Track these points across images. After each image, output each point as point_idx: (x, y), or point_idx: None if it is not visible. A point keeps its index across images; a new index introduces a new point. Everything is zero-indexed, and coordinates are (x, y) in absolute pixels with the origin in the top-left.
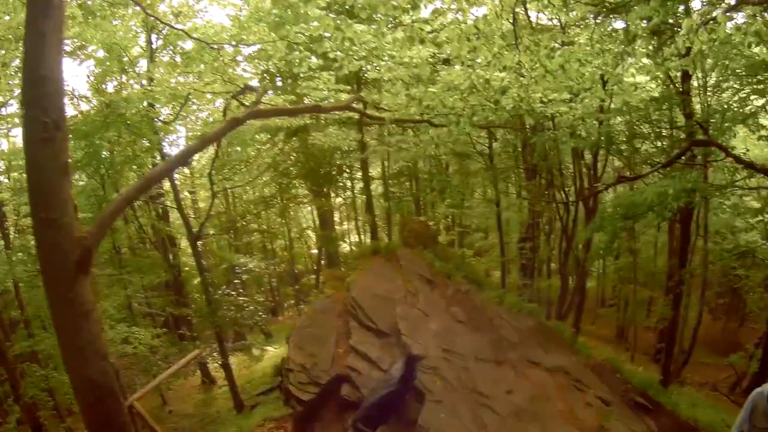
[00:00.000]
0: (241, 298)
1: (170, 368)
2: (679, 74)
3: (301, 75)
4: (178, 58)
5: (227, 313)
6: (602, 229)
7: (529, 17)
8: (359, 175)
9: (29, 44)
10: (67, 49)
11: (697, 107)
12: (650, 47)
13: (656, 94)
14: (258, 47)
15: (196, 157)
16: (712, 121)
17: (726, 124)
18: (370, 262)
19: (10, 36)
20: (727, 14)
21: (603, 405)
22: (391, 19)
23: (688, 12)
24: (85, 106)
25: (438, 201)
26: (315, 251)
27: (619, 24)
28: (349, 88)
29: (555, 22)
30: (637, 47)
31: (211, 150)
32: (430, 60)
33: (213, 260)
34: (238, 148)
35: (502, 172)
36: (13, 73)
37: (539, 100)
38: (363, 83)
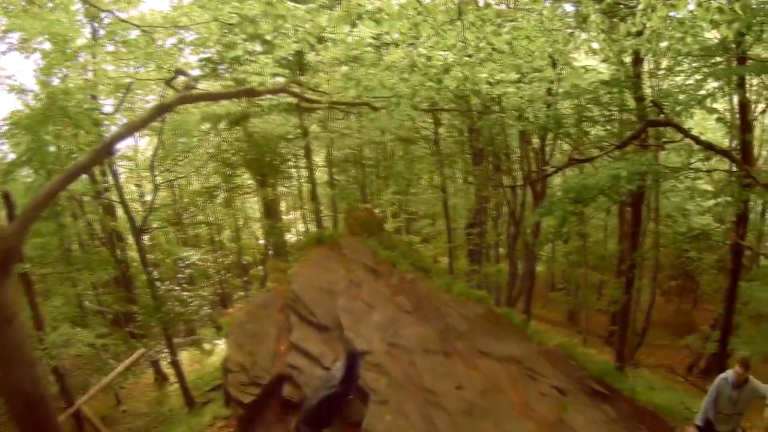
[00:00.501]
0: (185, 293)
1: (116, 369)
2: (629, 58)
3: (240, 60)
4: (122, 48)
5: (173, 309)
6: (551, 214)
7: None
8: (304, 163)
9: None
10: (13, 42)
11: (648, 91)
12: (603, 26)
13: (606, 78)
14: (197, 35)
15: (142, 149)
16: (665, 104)
17: (679, 107)
18: (313, 253)
19: None
20: None
21: (559, 394)
22: None
23: None
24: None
25: (384, 188)
26: (262, 242)
27: (569, 7)
28: (287, 72)
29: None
30: (590, 23)
31: (155, 141)
32: (372, 41)
33: (161, 254)
34: (184, 139)
35: (447, 157)
36: None
37: (485, 81)
38: (305, 67)
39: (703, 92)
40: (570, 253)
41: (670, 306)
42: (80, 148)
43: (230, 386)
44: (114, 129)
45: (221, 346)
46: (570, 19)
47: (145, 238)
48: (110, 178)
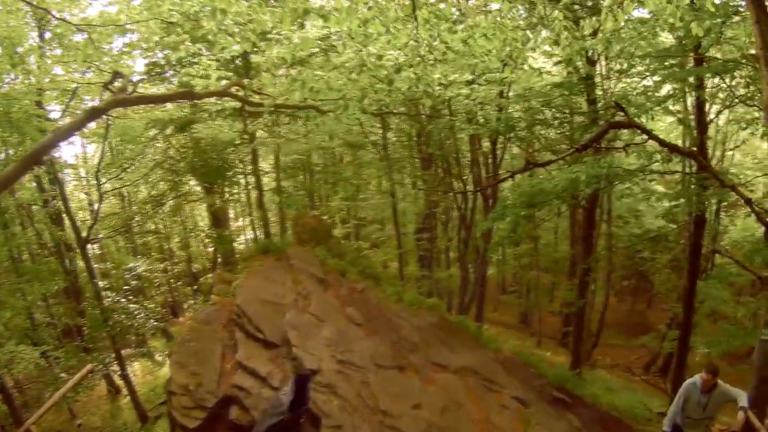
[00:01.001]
0: (131, 306)
1: (64, 387)
2: (581, 62)
3: (183, 63)
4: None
5: (119, 322)
6: (504, 218)
7: None
8: (251, 169)
9: None
10: None
11: (600, 94)
12: (565, 22)
13: (558, 80)
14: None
15: (90, 156)
16: (623, 105)
17: (637, 109)
18: (259, 263)
19: None
20: None
21: (520, 406)
22: None
23: None
24: None
25: (332, 194)
26: (211, 249)
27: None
28: (233, 75)
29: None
30: (553, 20)
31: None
32: (320, 43)
33: (112, 263)
34: (132, 146)
35: (396, 162)
36: None
37: (438, 82)
38: (251, 70)
39: (662, 93)
40: (521, 255)
41: (624, 306)
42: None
43: (174, 410)
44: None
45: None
46: (522, 22)
47: (95, 247)
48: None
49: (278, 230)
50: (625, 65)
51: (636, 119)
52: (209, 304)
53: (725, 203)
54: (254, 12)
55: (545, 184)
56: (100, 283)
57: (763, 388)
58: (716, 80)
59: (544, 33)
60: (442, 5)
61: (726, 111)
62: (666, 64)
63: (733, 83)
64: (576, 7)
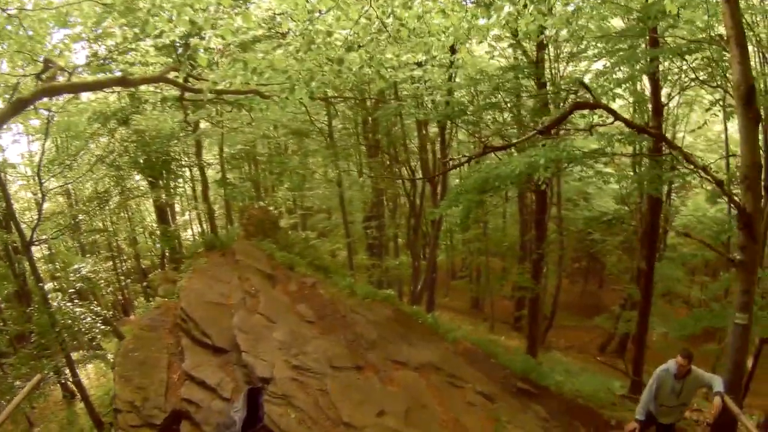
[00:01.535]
0: (77, 309)
1: (14, 400)
2: (531, 45)
3: (120, 49)
4: None
5: (67, 326)
6: (457, 205)
7: None
8: (195, 161)
9: None
10: None
11: (548, 77)
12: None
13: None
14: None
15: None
16: (573, 88)
17: (600, 90)
18: (204, 260)
19: None
20: None
21: (486, 401)
22: None
23: None
24: None
25: (278, 184)
26: (159, 245)
27: None
28: (175, 62)
29: None
30: None
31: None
32: (264, 25)
33: (61, 264)
34: (78, 142)
35: (343, 150)
36: None
37: (390, 64)
38: (193, 56)
39: (616, 77)
40: (470, 241)
41: (576, 288)
42: None
43: (121, 430)
44: None
45: None
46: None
47: (43, 248)
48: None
49: (225, 223)
50: (575, 49)
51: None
52: (153, 307)
53: (676, 185)
54: None
55: (501, 168)
56: (49, 285)
57: (737, 373)
58: (667, 63)
59: (507, 8)
60: None
61: (677, 94)
62: (619, 47)
63: (689, 66)
64: None
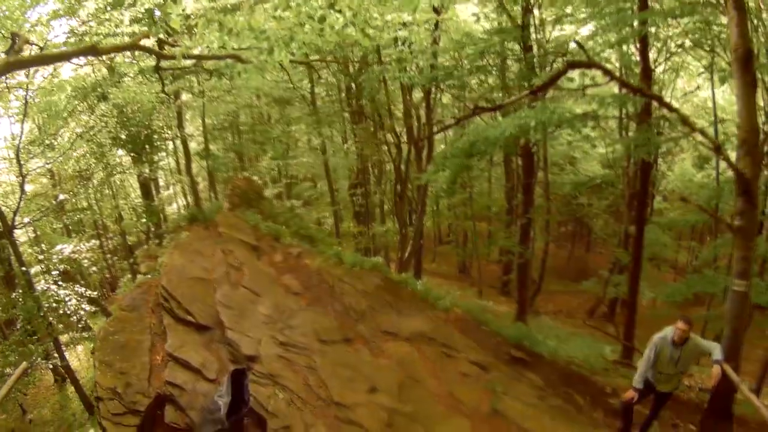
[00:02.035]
0: (61, 291)
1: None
2: (518, 8)
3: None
4: None
5: (52, 309)
6: (444, 170)
7: None
8: (177, 133)
9: None
10: None
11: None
12: None
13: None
14: None
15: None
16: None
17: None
18: (185, 235)
19: None
20: None
21: (481, 371)
22: None
23: None
24: None
25: (261, 154)
26: (144, 221)
27: None
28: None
29: None
30: None
31: (27, 124)
32: None
33: (47, 245)
34: (59, 122)
35: (326, 116)
36: None
37: (374, 24)
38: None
39: (607, 38)
40: (456, 205)
41: (563, 252)
42: None
43: (104, 419)
44: None
45: None
46: None
47: (29, 230)
48: None
49: (209, 196)
50: (562, 12)
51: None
52: (135, 286)
53: (662, 150)
54: None
55: (490, 131)
56: (36, 269)
57: (735, 340)
58: (653, 29)
59: None
60: None
61: (665, 60)
62: (607, 10)
63: (683, 29)
64: None
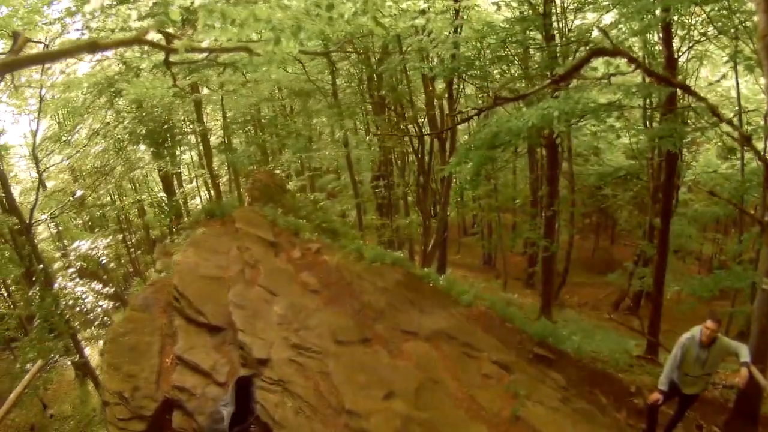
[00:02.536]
0: (78, 289)
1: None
2: None
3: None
4: None
5: (69, 307)
6: (467, 161)
7: None
8: (197, 128)
9: None
10: None
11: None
12: None
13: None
14: None
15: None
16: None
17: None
18: (201, 231)
19: None
20: None
21: (503, 372)
22: None
23: None
24: None
25: (283, 147)
26: (164, 216)
27: None
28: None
29: None
30: None
31: (44, 122)
32: None
33: (69, 241)
34: (77, 118)
35: (347, 108)
36: None
37: (388, 12)
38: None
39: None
40: (480, 197)
41: (588, 243)
42: None
43: (110, 424)
44: None
45: None
46: None
47: (51, 226)
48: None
49: (230, 189)
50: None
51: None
52: (147, 284)
53: (687, 140)
54: None
55: (513, 122)
56: (58, 265)
57: (763, 340)
58: (676, 17)
59: None
60: None
61: (688, 49)
62: None
63: (707, 16)
64: None
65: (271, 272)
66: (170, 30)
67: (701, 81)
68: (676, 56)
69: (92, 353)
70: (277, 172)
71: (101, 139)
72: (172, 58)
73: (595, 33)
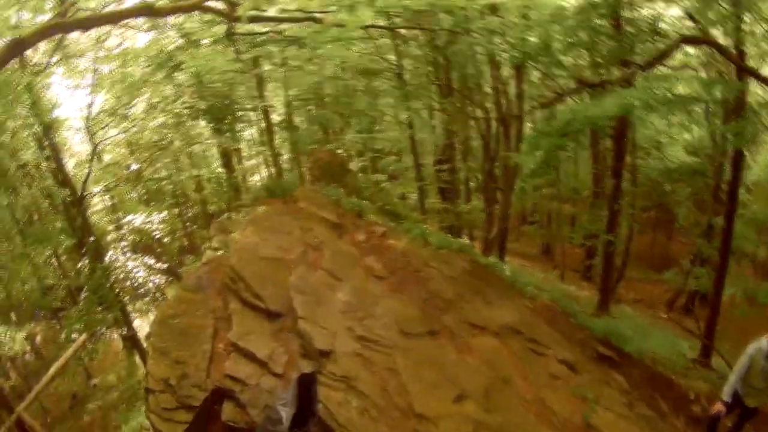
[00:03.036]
0: (130, 263)
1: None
2: None
3: None
4: None
5: (119, 280)
6: (538, 148)
7: None
8: (259, 104)
9: None
10: None
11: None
12: None
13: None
14: None
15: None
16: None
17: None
18: (262, 209)
19: None
20: None
21: (570, 372)
22: None
23: None
24: None
25: (346, 127)
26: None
27: None
28: None
29: None
30: None
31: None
32: None
33: (123, 214)
34: (134, 92)
35: (415, 89)
36: None
37: None
38: None
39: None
40: (542, 185)
41: (645, 238)
42: None
43: (152, 413)
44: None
45: None
46: None
47: (105, 198)
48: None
49: (291, 168)
50: None
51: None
52: (201, 263)
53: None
54: None
55: (590, 110)
56: (111, 237)
57: None
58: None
59: None
60: None
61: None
62: None
63: None
64: None
65: (334, 255)
66: None
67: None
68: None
69: (141, 326)
70: (339, 152)
71: (159, 114)
72: (235, 29)
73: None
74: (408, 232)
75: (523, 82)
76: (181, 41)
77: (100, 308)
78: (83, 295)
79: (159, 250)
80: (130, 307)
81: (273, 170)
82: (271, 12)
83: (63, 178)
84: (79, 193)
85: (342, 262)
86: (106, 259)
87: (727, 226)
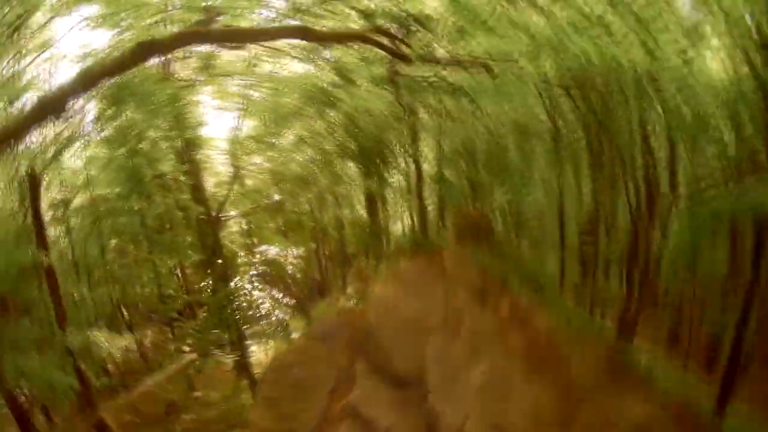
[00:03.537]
0: (255, 293)
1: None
2: None
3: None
4: None
5: (240, 309)
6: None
7: None
8: (410, 152)
9: None
10: None
11: None
12: None
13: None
14: None
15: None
16: None
17: None
18: (404, 265)
19: None
20: None
21: None
22: None
23: None
24: None
25: (494, 186)
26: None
27: None
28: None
29: None
30: None
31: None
32: None
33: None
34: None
35: (568, 154)
36: None
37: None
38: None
39: None
40: (674, 260)
41: None
42: None
43: None
44: None
45: None
46: None
47: (241, 222)
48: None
49: (437, 223)
50: None
51: None
52: (333, 312)
53: None
54: None
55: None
56: (240, 261)
57: None
58: None
59: None
60: None
61: None
62: None
63: None
64: None
65: (475, 328)
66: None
67: None
68: None
69: (259, 351)
70: (485, 212)
71: (307, 148)
72: (401, 69)
73: None
74: (549, 307)
75: (678, 158)
76: (336, 78)
77: (216, 330)
78: (202, 313)
79: (290, 282)
80: (248, 332)
81: (417, 222)
82: (438, 54)
83: (200, 195)
84: (215, 213)
85: (482, 336)
86: (232, 284)
87: None
